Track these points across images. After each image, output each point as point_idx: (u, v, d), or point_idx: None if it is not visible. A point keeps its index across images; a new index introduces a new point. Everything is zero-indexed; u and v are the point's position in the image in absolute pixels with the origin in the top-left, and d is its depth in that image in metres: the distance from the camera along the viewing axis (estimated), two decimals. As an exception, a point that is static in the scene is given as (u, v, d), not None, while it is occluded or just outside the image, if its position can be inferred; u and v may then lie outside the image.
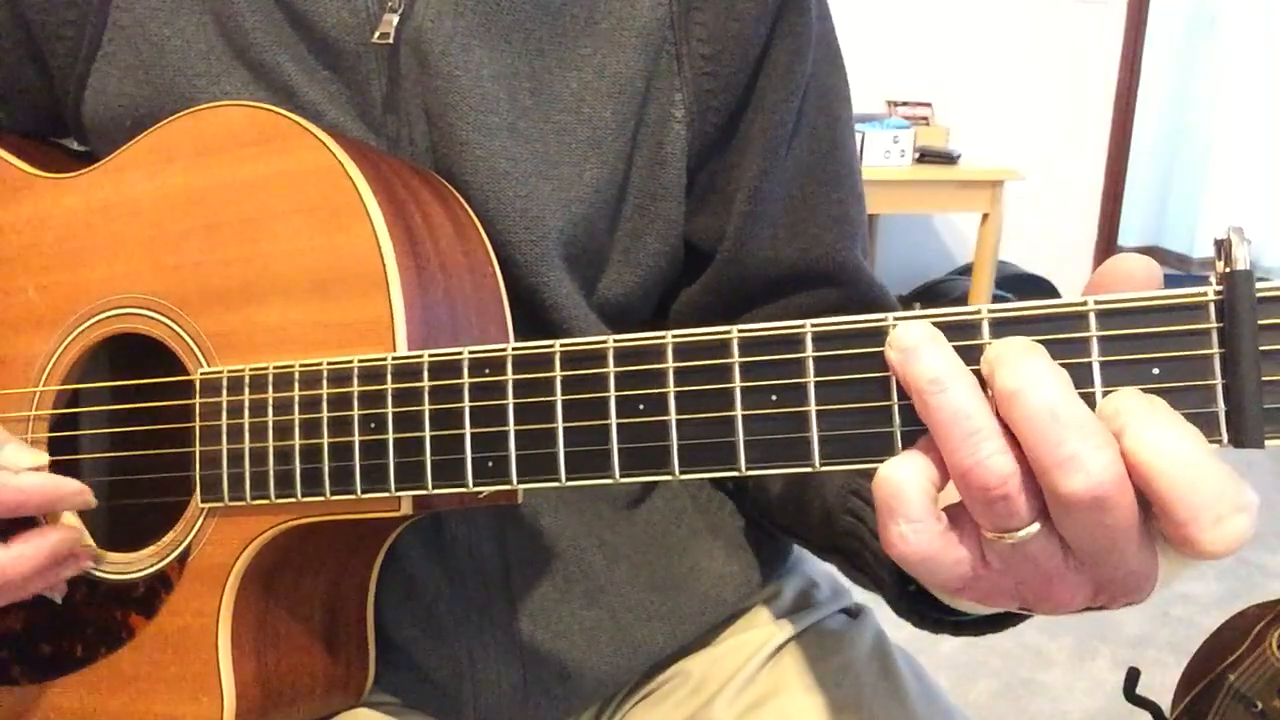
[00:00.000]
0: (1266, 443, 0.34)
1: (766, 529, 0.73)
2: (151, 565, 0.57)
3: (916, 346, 0.36)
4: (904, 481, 0.37)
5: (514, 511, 0.65)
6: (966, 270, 3.36)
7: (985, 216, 3.03)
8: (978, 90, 3.63)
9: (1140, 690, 1.51)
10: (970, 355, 0.37)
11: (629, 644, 0.68)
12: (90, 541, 0.58)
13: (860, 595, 0.77)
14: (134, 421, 0.59)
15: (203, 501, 0.54)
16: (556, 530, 0.66)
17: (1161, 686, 1.54)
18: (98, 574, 0.58)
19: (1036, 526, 0.36)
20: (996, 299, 3.18)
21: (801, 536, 0.66)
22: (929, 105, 3.50)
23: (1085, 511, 0.34)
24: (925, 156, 3.11)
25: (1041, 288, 3.45)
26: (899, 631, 0.74)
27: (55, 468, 0.59)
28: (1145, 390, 0.36)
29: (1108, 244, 3.81)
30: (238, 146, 0.56)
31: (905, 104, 3.48)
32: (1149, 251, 4.90)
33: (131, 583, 0.57)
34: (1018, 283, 3.40)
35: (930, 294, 3.39)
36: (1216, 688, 1.43)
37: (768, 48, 0.64)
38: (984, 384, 0.37)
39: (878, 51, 3.47)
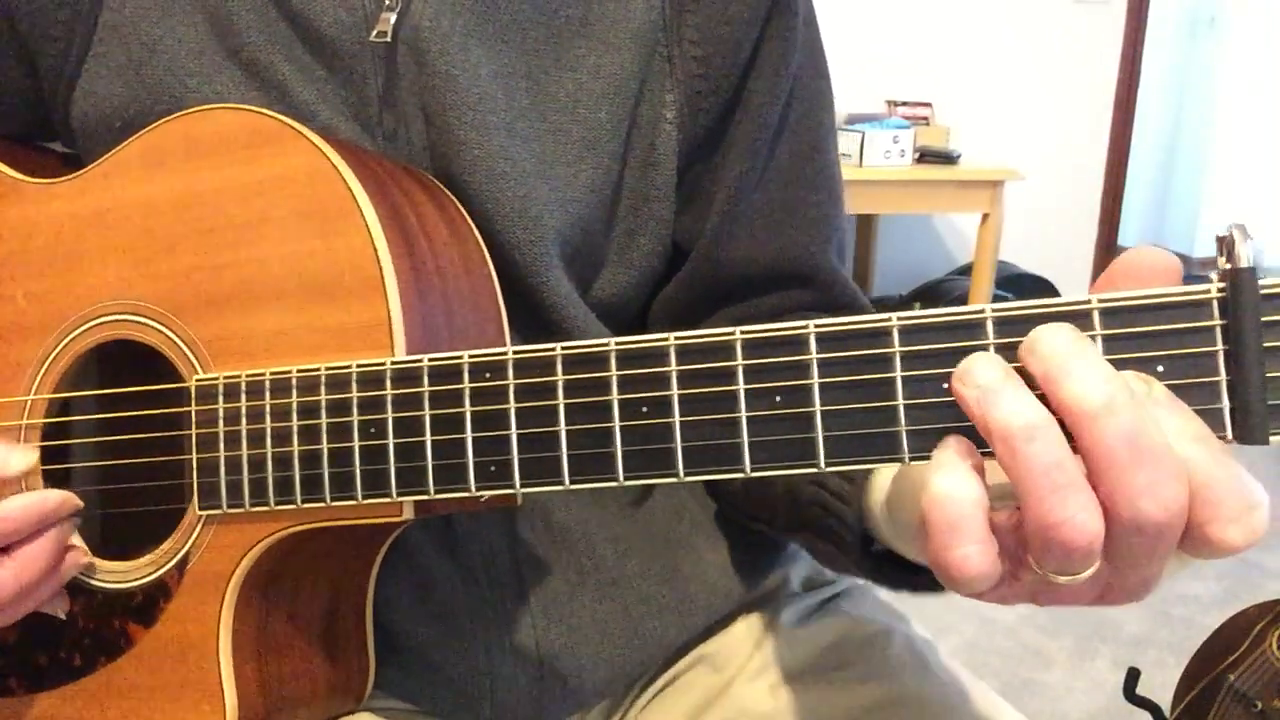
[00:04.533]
0: (1271, 438, 0.34)
1: (737, 520, 0.73)
2: (150, 574, 0.56)
3: (998, 387, 0.34)
4: (967, 500, 0.35)
5: (524, 508, 0.64)
6: (966, 270, 3.36)
7: (985, 216, 3.03)
8: (978, 90, 3.62)
9: (1140, 690, 1.51)
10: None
11: (640, 636, 0.68)
12: (83, 547, 0.58)
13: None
14: (128, 429, 0.59)
15: (201, 509, 0.54)
16: (567, 525, 0.66)
17: (1161, 686, 1.54)
18: (94, 583, 0.58)
19: (1093, 569, 0.35)
20: (997, 299, 3.18)
21: (766, 521, 0.66)
22: (929, 105, 3.49)
23: (1145, 536, 0.34)
24: (925, 156, 3.10)
25: (1041, 288, 3.45)
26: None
27: (48, 477, 0.59)
28: None
29: (1108, 244, 3.80)
30: (229, 150, 0.55)
31: (905, 104, 3.47)
32: (1149, 251, 4.90)
33: (129, 591, 0.57)
34: (1018, 283, 3.39)
35: (930, 294, 3.39)
36: (1216, 688, 1.43)
37: (756, 51, 0.65)
38: (1024, 376, 0.35)
39: (878, 51, 3.47)
